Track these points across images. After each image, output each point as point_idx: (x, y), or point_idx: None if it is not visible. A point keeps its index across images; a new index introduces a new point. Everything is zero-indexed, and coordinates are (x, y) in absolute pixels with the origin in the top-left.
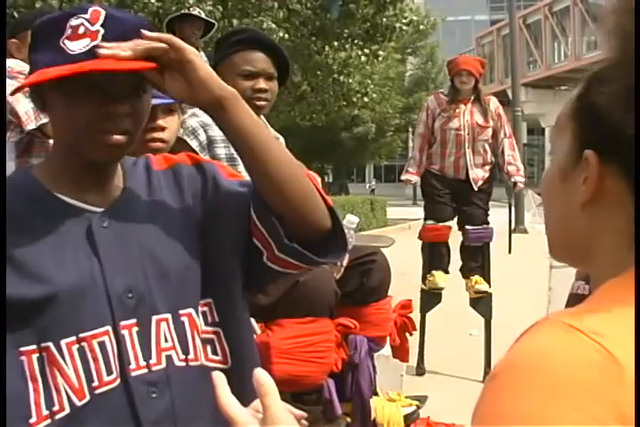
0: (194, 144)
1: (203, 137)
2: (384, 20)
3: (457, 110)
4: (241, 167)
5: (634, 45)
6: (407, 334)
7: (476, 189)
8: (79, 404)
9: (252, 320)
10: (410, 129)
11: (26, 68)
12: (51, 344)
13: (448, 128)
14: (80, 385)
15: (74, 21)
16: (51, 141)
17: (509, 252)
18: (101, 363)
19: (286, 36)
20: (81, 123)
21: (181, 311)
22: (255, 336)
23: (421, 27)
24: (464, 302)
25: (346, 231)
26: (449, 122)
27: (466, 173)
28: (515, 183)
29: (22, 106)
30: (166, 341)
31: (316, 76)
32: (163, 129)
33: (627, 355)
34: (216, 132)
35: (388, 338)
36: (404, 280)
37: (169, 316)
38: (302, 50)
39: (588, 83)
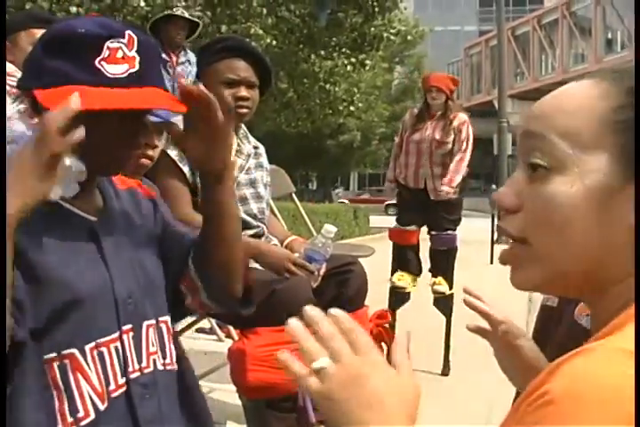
0: (172, 154)
1: None
2: (372, 29)
3: (422, 124)
4: None
5: None
6: (383, 344)
7: (432, 198)
8: (102, 408)
9: (230, 328)
10: (395, 138)
11: (12, 69)
12: (75, 351)
13: (412, 140)
14: (102, 389)
15: (112, 44)
16: None
17: (491, 262)
18: (117, 367)
19: (274, 42)
20: (122, 146)
21: (160, 318)
22: (232, 343)
23: (409, 37)
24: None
25: (324, 240)
26: (413, 134)
27: (425, 183)
28: (441, 191)
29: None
30: (152, 345)
31: (303, 84)
32: (155, 147)
33: None
34: None
35: None
36: (387, 287)
37: (154, 322)
38: (289, 57)
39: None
